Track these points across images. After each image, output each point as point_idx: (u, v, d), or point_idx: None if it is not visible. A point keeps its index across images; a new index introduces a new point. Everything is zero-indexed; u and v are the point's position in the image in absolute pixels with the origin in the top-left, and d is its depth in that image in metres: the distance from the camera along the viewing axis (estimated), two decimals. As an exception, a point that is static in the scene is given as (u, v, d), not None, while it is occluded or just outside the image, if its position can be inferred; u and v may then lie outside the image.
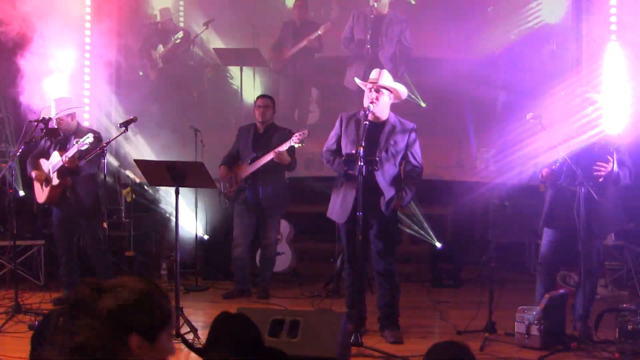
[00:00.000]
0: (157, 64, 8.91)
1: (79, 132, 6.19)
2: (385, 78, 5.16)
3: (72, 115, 6.31)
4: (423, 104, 8.13)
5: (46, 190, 6.26)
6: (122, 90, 8.52)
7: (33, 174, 6.30)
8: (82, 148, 5.86)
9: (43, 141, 6.25)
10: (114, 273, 6.50)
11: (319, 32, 8.43)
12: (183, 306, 5.26)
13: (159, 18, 8.87)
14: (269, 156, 6.41)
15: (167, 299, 1.87)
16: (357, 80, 5.36)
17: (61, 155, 6.05)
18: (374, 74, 5.21)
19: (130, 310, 1.77)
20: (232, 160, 6.78)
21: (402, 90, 5.26)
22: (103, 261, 6.35)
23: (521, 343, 5.00)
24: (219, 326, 2.44)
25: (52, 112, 6.18)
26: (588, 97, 5.19)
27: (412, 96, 7.84)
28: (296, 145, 6.32)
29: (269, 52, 8.71)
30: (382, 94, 5.12)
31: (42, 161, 6.32)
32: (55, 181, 6.15)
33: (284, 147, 6.34)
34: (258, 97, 6.88)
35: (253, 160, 6.58)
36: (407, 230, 7.52)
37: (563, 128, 5.22)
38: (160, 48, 8.84)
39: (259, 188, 6.61)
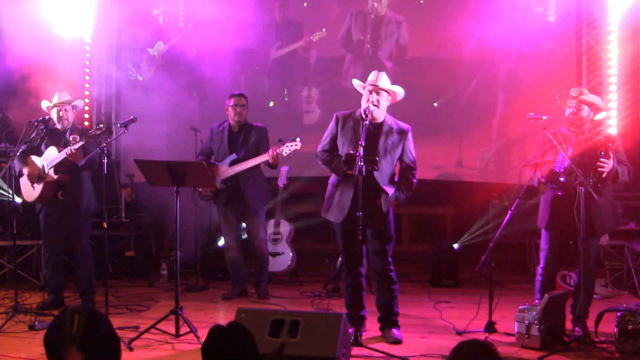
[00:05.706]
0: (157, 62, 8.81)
1: (74, 130, 6.12)
2: (384, 80, 5.16)
3: (76, 109, 6.22)
4: (435, 104, 8.19)
5: (38, 187, 6.04)
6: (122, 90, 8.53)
7: (25, 170, 6.06)
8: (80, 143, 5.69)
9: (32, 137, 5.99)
10: (96, 275, 6.26)
11: (301, 44, 8.39)
12: (183, 306, 5.26)
13: None
14: (263, 157, 6.35)
15: None
16: (355, 81, 5.34)
17: (59, 151, 5.88)
18: (372, 76, 5.19)
19: None
20: (207, 159, 6.63)
21: (400, 92, 5.24)
22: (86, 262, 6.17)
23: (521, 343, 4.99)
24: (211, 341, 2.44)
25: (56, 100, 6.09)
26: (583, 98, 5.20)
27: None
28: (284, 154, 6.27)
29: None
30: (382, 96, 5.12)
31: (33, 158, 6.09)
32: (54, 177, 5.94)
33: (279, 150, 6.28)
34: (232, 96, 6.63)
35: (234, 163, 6.50)
36: None
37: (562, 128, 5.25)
38: (161, 45, 8.74)
39: (242, 188, 6.54)
